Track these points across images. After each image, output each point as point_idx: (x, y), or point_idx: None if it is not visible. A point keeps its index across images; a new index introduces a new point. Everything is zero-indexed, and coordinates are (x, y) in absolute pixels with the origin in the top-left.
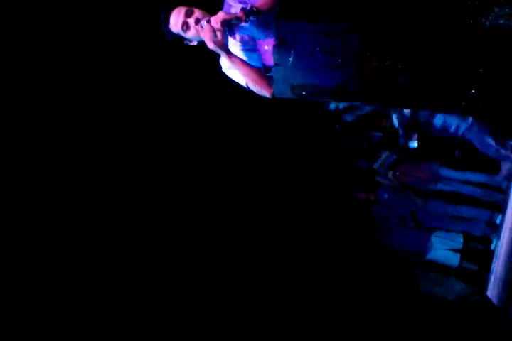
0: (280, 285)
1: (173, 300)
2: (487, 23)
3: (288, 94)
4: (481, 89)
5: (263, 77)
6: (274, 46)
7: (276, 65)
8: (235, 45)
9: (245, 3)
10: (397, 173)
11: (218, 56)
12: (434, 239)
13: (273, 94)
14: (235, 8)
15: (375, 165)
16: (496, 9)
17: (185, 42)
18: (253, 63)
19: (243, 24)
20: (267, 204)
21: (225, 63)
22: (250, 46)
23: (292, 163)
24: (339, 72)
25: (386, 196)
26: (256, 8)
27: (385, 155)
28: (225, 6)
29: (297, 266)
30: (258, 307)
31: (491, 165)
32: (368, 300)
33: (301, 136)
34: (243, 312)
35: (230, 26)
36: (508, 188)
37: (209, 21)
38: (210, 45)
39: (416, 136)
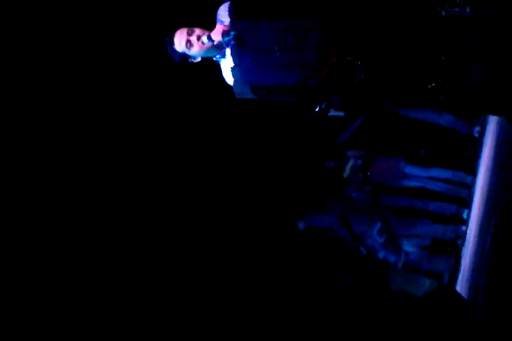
0: (255, 287)
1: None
2: (443, 12)
3: (249, 94)
4: (440, 82)
5: None
6: (232, 46)
7: (235, 65)
8: None
9: None
10: (368, 174)
11: (221, 71)
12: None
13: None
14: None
15: (345, 175)
16: None
17: (190, 60)
18: None
19: None
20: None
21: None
22: None
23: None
24: (298, 70)
25: (355, 195)
26: None
27: (350, 162)
28: (218, 24)
29: (270, 265)
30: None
31: (455, 162)
32: (339, 298)
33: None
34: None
35: (229, 35)
36: (472, 183)
37: (209, 36)
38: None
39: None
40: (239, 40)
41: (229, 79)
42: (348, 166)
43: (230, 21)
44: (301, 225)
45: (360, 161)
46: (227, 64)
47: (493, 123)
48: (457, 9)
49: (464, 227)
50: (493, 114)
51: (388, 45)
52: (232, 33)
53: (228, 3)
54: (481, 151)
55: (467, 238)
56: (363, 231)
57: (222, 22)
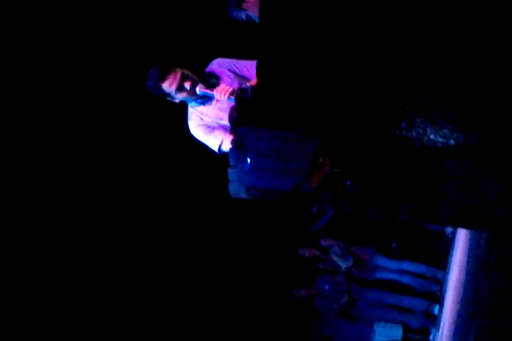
0: None
1: None
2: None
3: (243, 194)
4: (429, 201)
5: None
6: (231, 149)
7: (232, 166)
8: None
9: (238, 74)
10: None
11: (186, 118)
12: (374, 330)
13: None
14: (224, 76)
15: (343, 267)
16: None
17: (168, 98)
18: None
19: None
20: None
21: (194, 123)
22: None
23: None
24: (292, 177)
25: (327, 287)
26: (253, 87)
27: (332, 253)
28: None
29: None
30: None
31: (427, 256)
32: None
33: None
34: None
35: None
36: (444, 279)
37: (213, 85)
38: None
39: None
40: (239, 144)
41: (200, 136)
42: (336, 258)
43: (231, 126)
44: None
45: (335, 248)
46: (201, 111)
47: None
48: (440, 140)
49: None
50: (474, 229)
51: (377, 163)
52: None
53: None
54: (453, 247)
55: (438, 335)
56: None
57: (215, 73)
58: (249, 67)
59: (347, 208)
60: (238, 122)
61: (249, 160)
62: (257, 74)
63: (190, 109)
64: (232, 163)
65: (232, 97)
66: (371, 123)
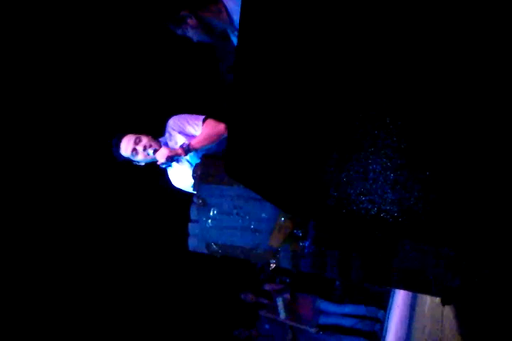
0: None
1: None
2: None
3: (203, 250)
4: (382, 264)
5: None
6: (192, 204)
7: (193, 221)
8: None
9: (185, 135)
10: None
11: (166, 172)
12: None
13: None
14: (175, 138)
15: (282, 316)
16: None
17: (134, 163)
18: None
19: (183, 157)
20: None
21: (173, 175)
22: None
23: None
24: (253, 235)
25: (267, 326)
26: (192, 146)
27: (279, 301)
28: (166, 134)
29: None
30: None
31: (368, 295)
32: None
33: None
34: None
35: (172, 160)
36: (384, 318)
37: (155, 151)
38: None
39: None
40: (203, 201)
41: (176, 181)
42: (281, 306)
43: (195, 183)
44: None
45: (286, 295)
46: (174, 170)
47: None
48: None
49: None
50: (424, 294)
51: (338, 228)
52: (175, 158)
53: (178, 117)
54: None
55: None
56: None
57: (170, 135)
58: (195, 124)
59: (305, 268)
60: (202, 179)
61: (212, 216)
62: (228, 137)
63: (168, 170)
64: (193, 218)
65: (169, 161)
66: (330, 191)
